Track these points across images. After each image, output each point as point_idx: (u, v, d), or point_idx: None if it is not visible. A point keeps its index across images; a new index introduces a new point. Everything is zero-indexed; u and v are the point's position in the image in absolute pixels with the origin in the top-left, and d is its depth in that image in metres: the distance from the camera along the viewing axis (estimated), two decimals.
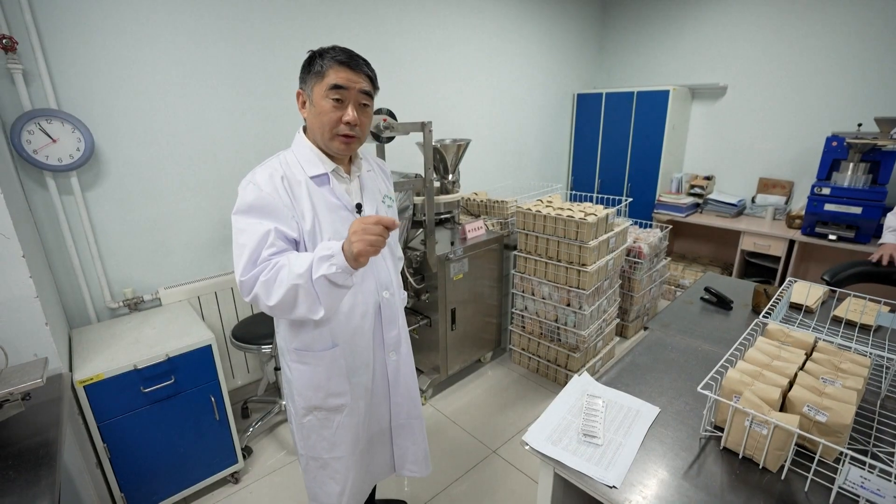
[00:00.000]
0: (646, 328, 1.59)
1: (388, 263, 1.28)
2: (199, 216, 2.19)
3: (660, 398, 1.18)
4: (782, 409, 0.98)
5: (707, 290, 1.78)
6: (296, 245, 1.10)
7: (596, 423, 1.07)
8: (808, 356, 1.14)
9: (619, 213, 2.77)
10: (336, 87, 1.05)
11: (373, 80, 1.13)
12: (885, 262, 2.05)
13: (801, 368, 1.07)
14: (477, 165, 3.47)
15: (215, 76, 2.10)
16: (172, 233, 2.12)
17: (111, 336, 1.79)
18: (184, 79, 2.02)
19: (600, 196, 3.35)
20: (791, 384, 1.02)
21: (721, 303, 1.73)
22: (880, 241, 2.15)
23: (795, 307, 1.63)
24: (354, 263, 0.97)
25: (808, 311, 1.60)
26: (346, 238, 0.99)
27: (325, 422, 1.25)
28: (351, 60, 1.07)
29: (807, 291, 1.61)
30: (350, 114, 1.08)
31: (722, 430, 1.00)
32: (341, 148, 1.12)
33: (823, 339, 1.21)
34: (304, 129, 1.18)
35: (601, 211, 2.47)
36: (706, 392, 0.98)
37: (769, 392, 0.95)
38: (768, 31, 3.39)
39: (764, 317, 1.34)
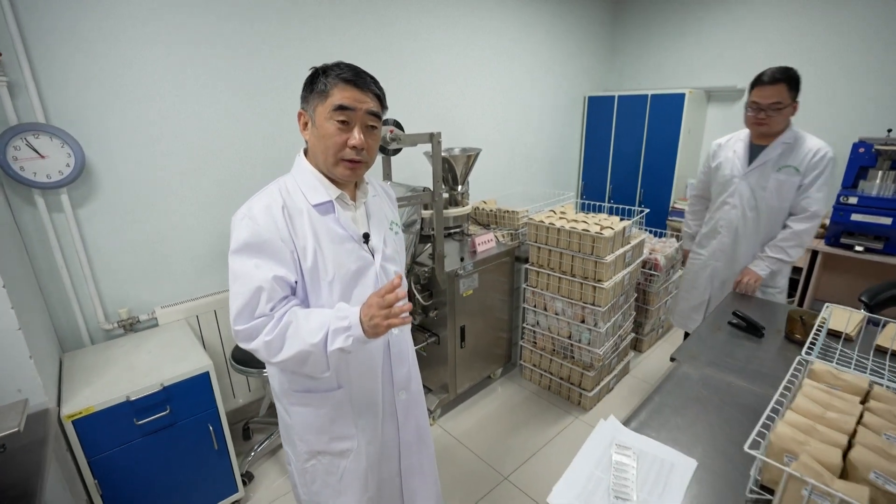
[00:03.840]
0: (673, 359, 1.47)
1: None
2: (198, 230, 2.09)
3: (695, 448, 1.07)
4: (843, 473, 0.86)
5: (735, 314, 1.67)
6: (294, 288, 1.00)
7: (627, 481, 0.96)
8: (864, 403, 1.03)
9: (634, 224, 2.64)
10: (341, 107, 0.96)
11: (381, 99, 1.03)
12: (740, 290, 1.99)
13: (860, 422, 0.96)
14: (485, 172, 3.36)
15: (214, 82, 2.00)
16: (170, 248, 2.03)
17: (104, 362, 1.70)
18: (181, 86, 1.92)
19: (614, 206, 3.23)
20: (850, 441, 0.90)
21: (751, 328, 1.62)
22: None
23: (833, 333, 1.51)
24: (372, 335, 0.92)
25: (848, 339, 1.49)
26: (361, 303, 0.95)
27: (329, 467, 1.16)
28: (357, 78, 0.97)
29: (846, 319, 1.49)
30: (356, 137, 0.98)
31: (770, 491, 0.89)
32: (346, 174, 1.03)
33: (882, 384, 1.09)
34: (306, 152, 1.09)
35: (617, 223, 2.35)
36: (754, 453, 0.87)
37: (828, 454, 0.84)
38: (789, 30, 3.25)
39: (806, 352, 1.23)
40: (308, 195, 1.03)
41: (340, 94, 0.96)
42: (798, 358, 1.19)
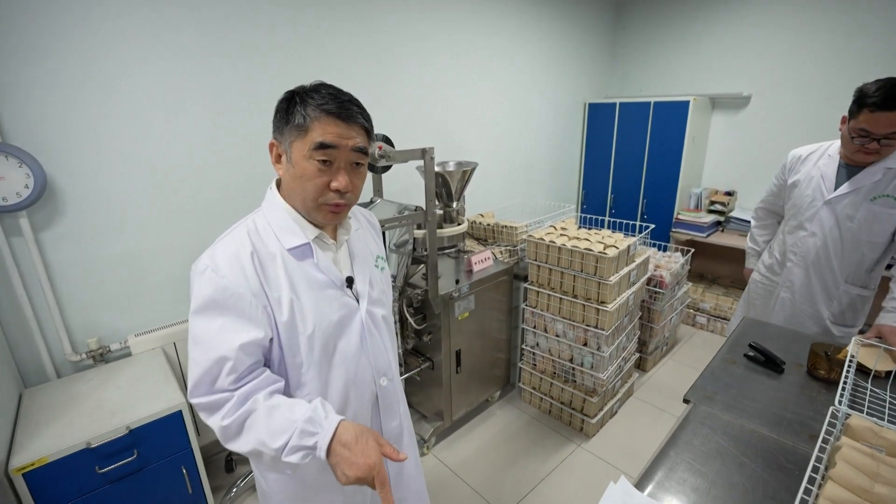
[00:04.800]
0: (686, 401, 1.35)
1: (387, 343, 1.04)
2: (175, 251, 1.96)
3: None
4: None
5: (752, 346, 1.54)
6: (269, 348, 0.87)
7: None
8: None
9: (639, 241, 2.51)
10: (323, 146, 0.82)
11: (369, 131, 0.89)
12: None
13: None
14: (482, 183, 3.23)
15: (191, 94, 1.88)
16: (145, 272, 1.90)
17: (68, 399, 1.56)
18: (155, 98, 1.79)
19: (616, 221, 3.10)
20: None
21: (769, 362, 1.49)
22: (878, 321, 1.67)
23: (861, 369, 1.39)
24: (335, 468, 0.78)
25: (877, 376, 1.36)
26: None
27: None
28: (342, 110, 0.83)
29: (875, 357, 1.37)
30: (341, 180, 0.85)
31: None
32: (328, 218, 0.90)
33: None
34: (279, 184, 0.96)
35: (621, 241, 2.23)
36: None
37: None
38: (796, 33, 3.12)
39: (839, 401, 1.10)
40: (281, 237, 0.89)
41: (322, 130, 0.81)
42: (831, 409, 1.07)
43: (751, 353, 1.54)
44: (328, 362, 0.91)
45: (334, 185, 0.85)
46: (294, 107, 0.83)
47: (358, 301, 0.97)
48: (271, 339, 0.87)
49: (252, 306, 0.83)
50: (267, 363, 0.88)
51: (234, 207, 2.05)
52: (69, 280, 1.72)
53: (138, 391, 1.60)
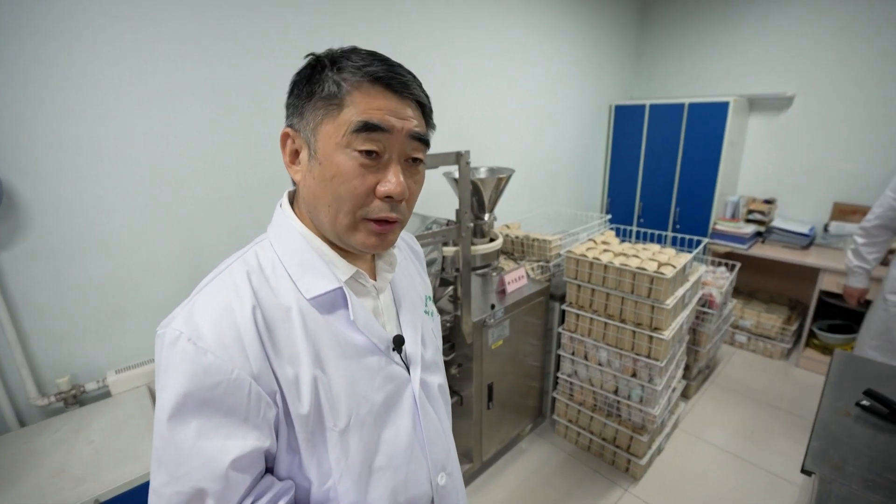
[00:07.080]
0: (808, 472, 1.06)
1: (444, 423, 0.76)
2: (163, 269, 1.67)
3: None
4: None
5: (869, 395, 1.26)
6: (272, 455, 0.58)
7: None
8: None
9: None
10: (369, 127, 0.54)
11: (427, 114, 0.61)
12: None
13: None
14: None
15: (185, 90, 1.60)
16: (128, 295, 1.61)
17: (26, 459, 1.27)
18: (143, 94, 1.51)
19: (646, 231, 2.83)
20: None
21: (894, 416, 1.21)
22: None
23: None
24: None
25: None
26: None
27: None
28: (393, 76, 0.55)
29: None
30: (394, 180, 0.56)
31: None
32: (371, 243, 0.60)
33: None
34: (292, 200, 0.67)
35: (676, 258, 1.95)
36: None
37: None
38: (847, 25, 2.86)
39: None
40: (300, 281, 0.60)
41: (366, 104, 0.54)
42: None
43: (866, 402, 1.26)
44: (368, 466, 0.62)
45: (384, 188, 0.56)
46: (321, 72, 0.55)
47: (408, 369, 0.68)
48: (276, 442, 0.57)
49: (252, 399, 0.53)
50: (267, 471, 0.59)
51: (230, 224, 1.77)
52: (35, 308, 1.43)
53: (114, 447, 1.31)
